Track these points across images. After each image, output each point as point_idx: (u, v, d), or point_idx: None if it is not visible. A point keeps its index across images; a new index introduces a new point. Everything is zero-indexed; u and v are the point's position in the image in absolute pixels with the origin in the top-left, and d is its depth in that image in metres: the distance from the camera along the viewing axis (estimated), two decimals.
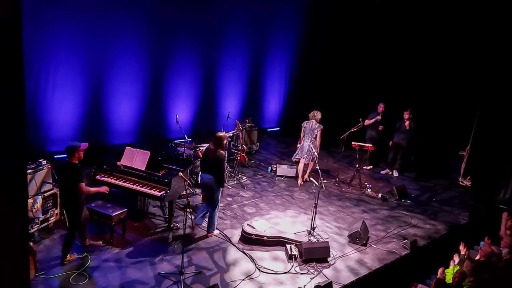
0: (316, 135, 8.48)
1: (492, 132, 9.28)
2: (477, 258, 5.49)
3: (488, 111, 9.42)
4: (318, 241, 6.48)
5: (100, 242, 5.92)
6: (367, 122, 9.66)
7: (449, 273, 5.15)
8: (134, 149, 6.57)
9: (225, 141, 6.33)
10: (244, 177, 8.84)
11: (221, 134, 6.36)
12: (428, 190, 9.40)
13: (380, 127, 9.75)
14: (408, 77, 10.86)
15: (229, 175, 8.68)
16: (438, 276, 5.11)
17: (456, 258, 5.48)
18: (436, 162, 10.46)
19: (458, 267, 5.30)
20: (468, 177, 9.91)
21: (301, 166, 8.79)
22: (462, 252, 5.72)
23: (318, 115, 8.53)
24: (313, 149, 8.37)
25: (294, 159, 8.95)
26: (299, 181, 8.81)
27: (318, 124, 8.48)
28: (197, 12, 9.61)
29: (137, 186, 6.33)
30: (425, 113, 10.12)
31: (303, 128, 8.66)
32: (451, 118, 10.24)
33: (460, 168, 10.06)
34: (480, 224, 7.52)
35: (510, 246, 5.77)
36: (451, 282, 4.94)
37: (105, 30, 8.31)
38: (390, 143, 9.86)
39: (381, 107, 9.76)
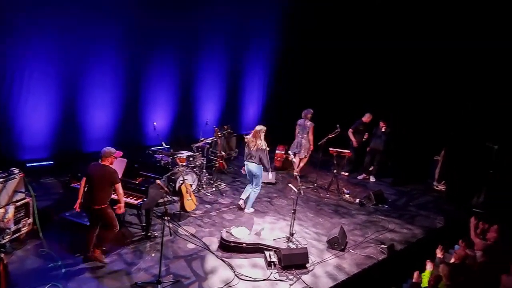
0: (308, 131, 9.14)
1: (466, 136, 9.53)
2: (451, 261, 5.59)
3: (462, 116, 9.68)
4: (296, 247, 6.48)
5: (105, 260, 5.62)
6: (351, 133, 9.88)
7: (425, 277, 5.22)
8: None
9: (262, 133, 7.27)
10: (223, 184, 8.80)
11: (258, 127, 7.33)
12: (404, 194, 9.55)
13: (365, 136, 9.93)
14: (384, 83, 11.05)
15: (208, 182, 8.62)
16: (413, 280, 5.17)
17: (430, 263, 5.55)
18: (412, 167, 10.65)
19: (433, 270, 5.37)
20: (443, 182, 10.12)
21: (296, 159, 9.29)
22: (439, 255, 5.80)
23: (309, 113, 9.24)
24: (303, 145, 9.19)
25: (291, 152, 9.44)
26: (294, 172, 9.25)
27: (310, 122, 9.16)
28: (175, 19, 9.57)
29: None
30: (401, 119, 10.31)
31: (297, 126, 9.34)
32: (426, 123, 10.46)
33: (435, 173, 10.27)
34: (455, 228, 7.67)
35: (484, 249, 5.89)
36: (427, 286, 5.00)
37: (80, 36, 8.18)
38: (368, 148, 10.02)
39: (369, 118, 9.93)
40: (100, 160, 5.51)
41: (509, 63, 9.10)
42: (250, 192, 7.53)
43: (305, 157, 9.41)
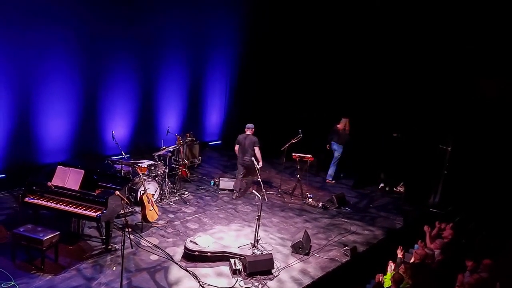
0: None
1: (422, 140, 9.89)
2: (411, 260, 5.75)
3: (419, 121, 10.06)
4: (262, 253, 6.48)
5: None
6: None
7: (387, 278, 5.34)
8: (67, 168, 6.23)
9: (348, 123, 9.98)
10: (187, 192, 8.68)
11: (345, 119, 10.01)
12: (365, 197, 9.76)
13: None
14: (344, 87, 11.30)
15: (171, 190, 8.48)
16: (376, 281, 5.28)
17: (391, 264, 5.69)
18: (371, 169, 10.90)
19: (395, 270, 5.50)
20: (401, 183, 10.43)
21: None
22: (400, 255, 5.96)
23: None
24: None
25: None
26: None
27: None
28: (134, 26, 9.38)
29: (70, 207, 5.98)
30: (360, 123, 10.57)
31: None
32: (384, 128, 10.76)
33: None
34: (414, 228, 7.91)
35: (441, 247, 6.11)
36: (389, 286, 5.12)
37: (33, 44, 7.85)
38: None
39: None
40: (245, 131, 8.41)
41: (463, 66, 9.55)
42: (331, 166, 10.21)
43: None
